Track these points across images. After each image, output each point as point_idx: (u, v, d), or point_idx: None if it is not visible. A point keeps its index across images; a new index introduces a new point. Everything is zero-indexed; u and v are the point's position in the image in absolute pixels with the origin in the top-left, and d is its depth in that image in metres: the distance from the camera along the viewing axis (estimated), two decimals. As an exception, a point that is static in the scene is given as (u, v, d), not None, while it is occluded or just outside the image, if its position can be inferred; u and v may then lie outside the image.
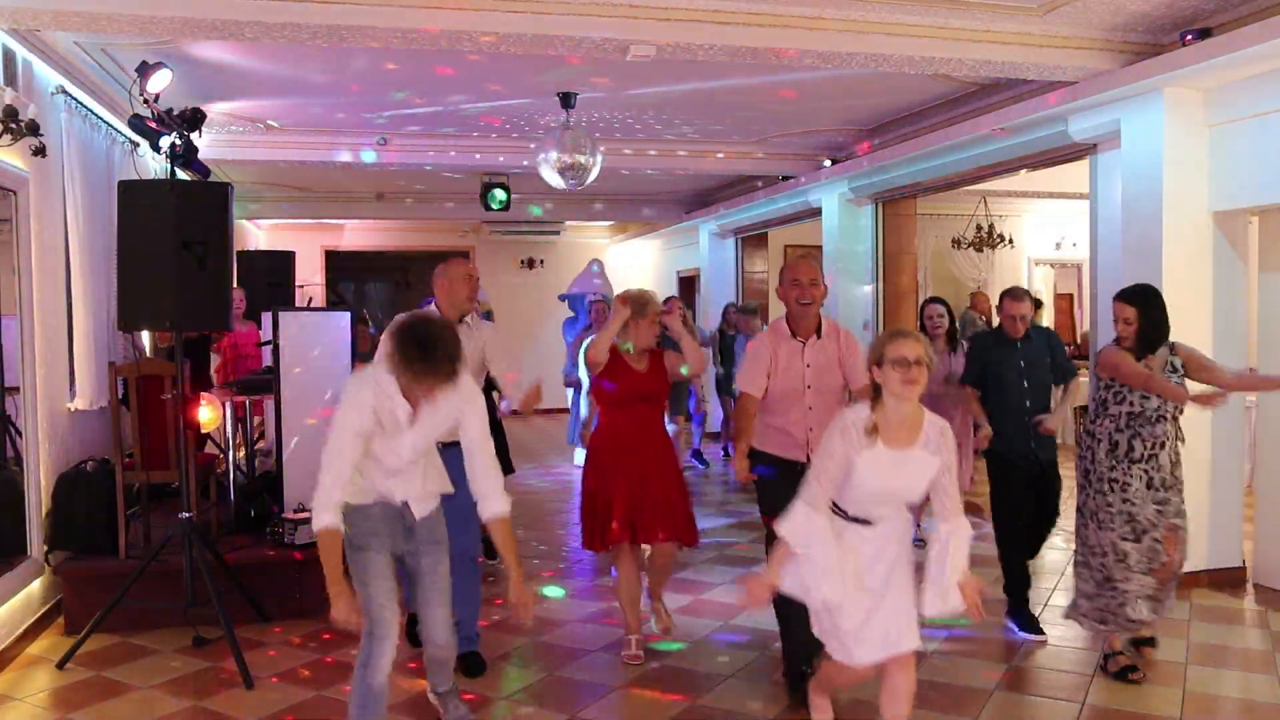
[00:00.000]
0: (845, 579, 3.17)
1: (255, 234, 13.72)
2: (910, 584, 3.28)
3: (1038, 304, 5.14)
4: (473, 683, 4.31)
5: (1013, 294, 4.98)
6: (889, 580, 3.23)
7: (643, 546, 4.64)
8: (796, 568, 3.23)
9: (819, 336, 4.16)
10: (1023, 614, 4.95)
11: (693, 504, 4.66)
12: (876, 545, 3.23)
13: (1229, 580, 5.73)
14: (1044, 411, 4.88)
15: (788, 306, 4.18)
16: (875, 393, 3.15)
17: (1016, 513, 4.92)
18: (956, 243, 12.45)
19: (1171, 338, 4.29)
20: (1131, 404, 4.30)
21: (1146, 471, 4.27)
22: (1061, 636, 4.89)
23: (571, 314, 11.12)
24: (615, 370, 4.52)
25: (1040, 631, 4.90)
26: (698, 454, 10.34)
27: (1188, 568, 5.61)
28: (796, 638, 3.97)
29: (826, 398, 4.11)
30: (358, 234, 14.99)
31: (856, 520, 3.22)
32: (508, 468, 5.54)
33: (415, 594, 3.59)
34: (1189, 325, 5.62)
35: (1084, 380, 5.74)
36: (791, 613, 3.73)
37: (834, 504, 3.23)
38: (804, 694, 3.73)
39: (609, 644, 4.82)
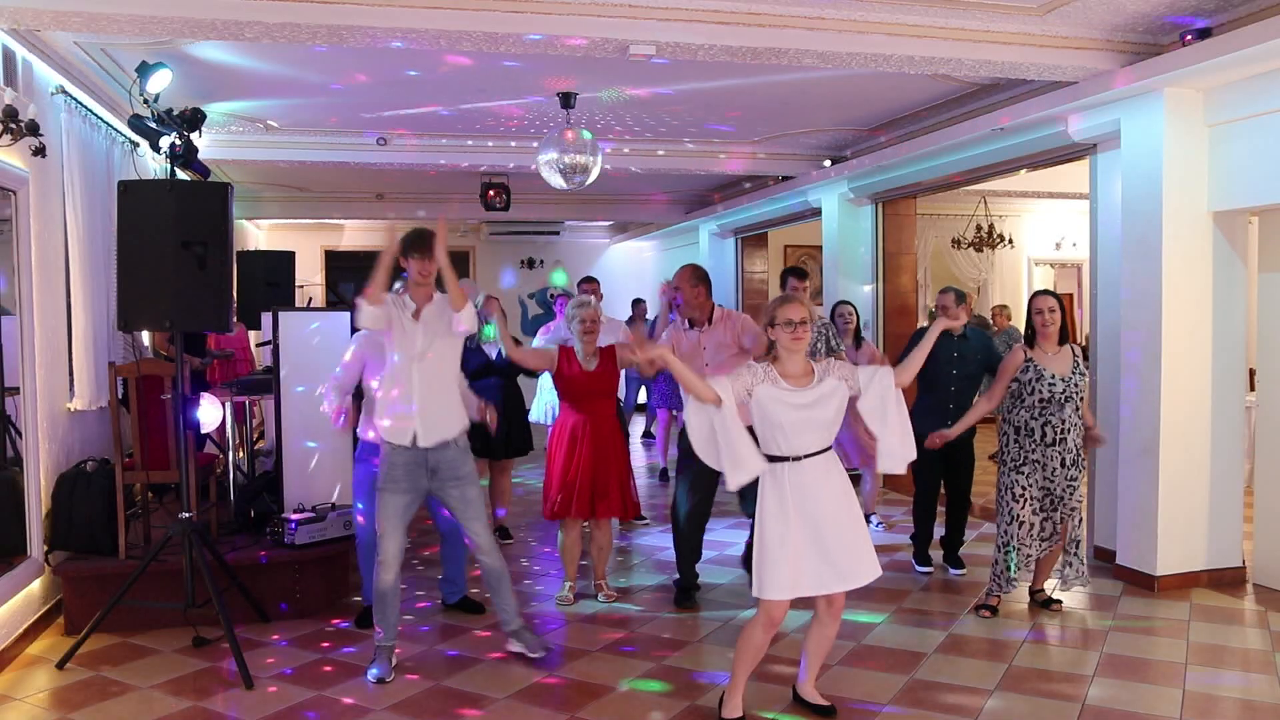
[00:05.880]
0: (789, 516, 3.61)
1: (255, 234, 13.72)
2: (859, 518, 3.74)
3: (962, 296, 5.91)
4: (473, 683, 4.33)
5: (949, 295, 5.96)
6: (838, 512, 3.65)
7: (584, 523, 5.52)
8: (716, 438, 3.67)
9: (710, 324, 5.33)
10: (922, 556, 6.14)
11: (633, 479, 5.51)
12: (814, 474, 3.64)
13: (1229, 580, 5.73)
14: (968, 404, 5.54)
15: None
16: (769, 348, 3.76)
17: (927, 479, 6.04)
18: (956, 243, 12.47)
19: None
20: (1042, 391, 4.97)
21: (1061, 454, 4.97)
22: (1060, 637, 4.90)
23: (539, 311, 10.88)
24: (569, 372, 5.26)
25: (930, 563, 6.09)
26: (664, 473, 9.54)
27: (1188, 567, 5.66)
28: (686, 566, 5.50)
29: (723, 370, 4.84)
30: (358, 234, 14.99)
31: (788, 459, 3.64)
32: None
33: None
34: (1188, 325, 5.63)
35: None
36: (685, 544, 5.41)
37: (769, 455, 3.67)
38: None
39: (609, 644, 4.83)
